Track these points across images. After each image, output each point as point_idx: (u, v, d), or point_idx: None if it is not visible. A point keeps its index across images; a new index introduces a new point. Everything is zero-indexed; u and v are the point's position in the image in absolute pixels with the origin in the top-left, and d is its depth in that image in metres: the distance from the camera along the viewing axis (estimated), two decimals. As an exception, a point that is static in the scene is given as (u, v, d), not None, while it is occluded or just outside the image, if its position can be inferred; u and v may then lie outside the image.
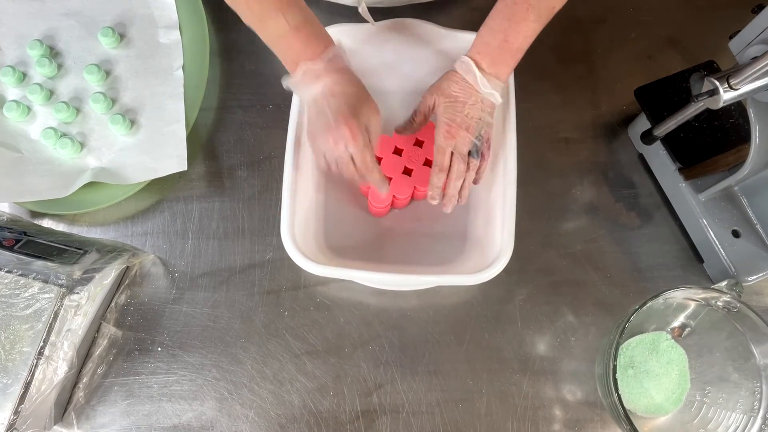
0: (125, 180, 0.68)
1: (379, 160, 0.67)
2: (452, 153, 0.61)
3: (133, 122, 0.71)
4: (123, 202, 0.69)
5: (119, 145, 0.70)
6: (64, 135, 0.69)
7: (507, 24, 0.57)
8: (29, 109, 0.71)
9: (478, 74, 0.58)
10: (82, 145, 0.70)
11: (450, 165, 0.61)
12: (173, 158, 0.68)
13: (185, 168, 0.68)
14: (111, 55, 0.74)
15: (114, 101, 0.72)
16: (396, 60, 0.71)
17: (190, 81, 0.72)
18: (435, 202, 0.63)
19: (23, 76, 0.72)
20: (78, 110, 0.71)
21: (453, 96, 0.60)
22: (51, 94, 0.72)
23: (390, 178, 0.66)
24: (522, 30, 0.56)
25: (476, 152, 0.61)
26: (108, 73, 0.73)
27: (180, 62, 0.73)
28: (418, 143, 0.67)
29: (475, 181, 0.64)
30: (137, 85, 0.73)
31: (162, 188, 0.71)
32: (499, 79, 0.59)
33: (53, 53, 0.73)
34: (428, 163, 0.67)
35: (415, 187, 0.66)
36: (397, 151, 0.67)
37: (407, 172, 0.67)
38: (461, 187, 0.62)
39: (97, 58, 0.73)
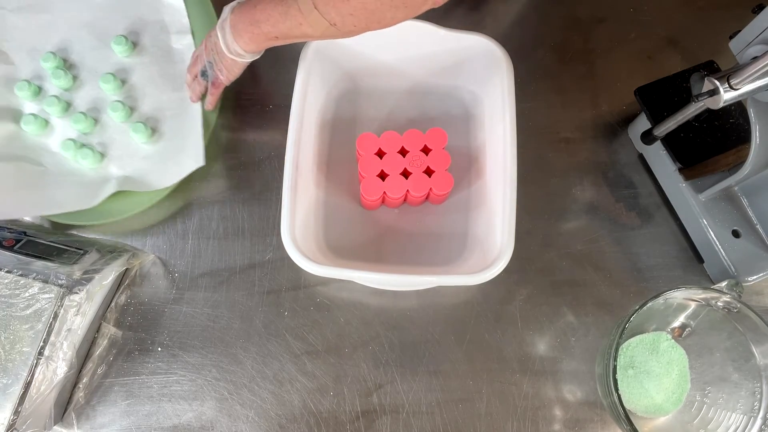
0: (150, 186, 0.67)
1: (382, 155, 0.67)
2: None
3: (154, 130, 0.71)
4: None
5: (141, 153, 0.70)
6: (84, 146, 0.69)
7: None
8: (47, 122, 0.70)
9: (226, 10, 0.61)
10: (103, 155, 0.70)
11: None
12: (191, 158, 0.68)
13: (203, 163, 0.67)
14: (125, 64, 0.74)
15: (132, 109, 0.72)
16: (396, 60, 0.71)
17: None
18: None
19: (39, 90, 0.71)
20: (96, 120, 0.71)
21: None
22: (68, 105, 0.71)
23: (387, 175, 0.66)
24: (267, 8, 0.56)
25: (203, 74, 0.67)
26: (124, 82, 0.73)
27: None
28: (426, 150, 0.67)
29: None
30: (154, 91, 0.72)
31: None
32: (237, 38, 0.60)
33: (67, 65, 0.73)
34: (429, 171, 0.67)
35: (408, 191, 0.66)
36: (403, 152, 0.67)
37: (405, 174, 0.67)
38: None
39: (112, 67, 0.73)
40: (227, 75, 0.65)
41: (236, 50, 0.61)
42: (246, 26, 0.59)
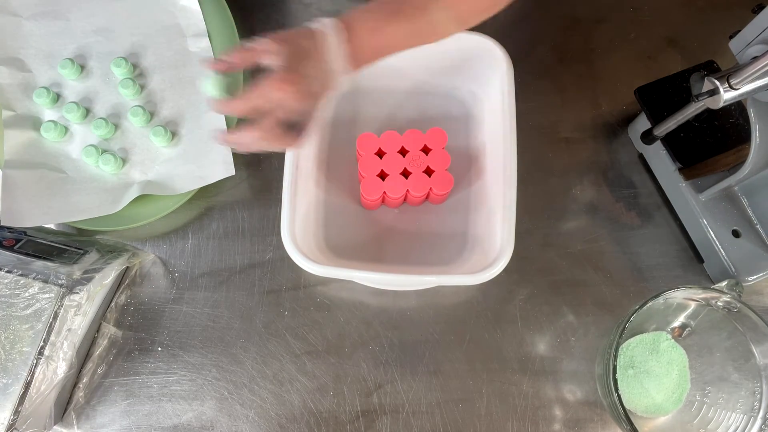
0: (174, 191, 0.67)
1: (382, 155, 0.67)
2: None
3: (174, 133, 0.71)
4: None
5: (163, 157, 0.70)
6: (105, 151, 0.69)
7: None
8: (67, 128, 0.70)
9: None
10: (125, 160, 0.70)
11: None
12: (219, 164, 0.68)
13: (233, 173, 0.67)
14: (144, 69, 0.73)
15: (153, 114, 0.72)
16: (396, 60, 0.71)
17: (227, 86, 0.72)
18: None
19: (57, 97, 0.71)
20: (117, 126, 0.71)
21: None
22: (87, 112, 0.71)
23: (387, 175, 0.66)
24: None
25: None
26: (143, 87, 0.72)
27: None
28: (426, 150, 0.67)
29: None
30: (173, 95, 0.72)
31: (162, 188, 0.71)
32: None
33: (85, 71, 0.73)
34: (429, 171, 0.67)
35: (408, 191, 0.66)
36: (403, 152, 0.67)
37: (405, 174, 0.67)
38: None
39: (131, 72, 0.72)
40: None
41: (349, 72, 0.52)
42: (369, 53, 0.51)
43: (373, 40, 0.51)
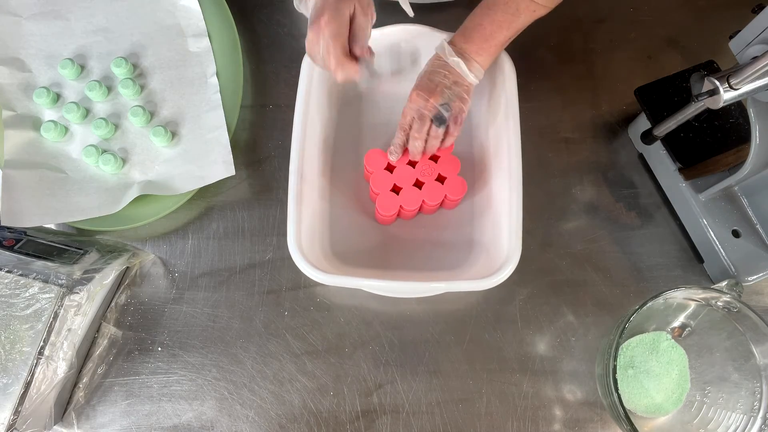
0: (174, 191, 0.68)
1: (392, 169, 0.67)
2: (413, 117, 0.64)
3: (174, 133, 0.71)
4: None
5: (163, 157, 0.70)
6: (105, 151, 0.69)
7: (485, 11, 0.61)
8: (67, 128, 0.70)
9: (446, 46, 0.61)
10: (125, 160, 0.70)
11: (411, 127, 0.64)
12: (219, 164, 0.68)
13: (233, 173, 0.68)
14: (144, 69, 0.73)
15: (153, 114, 0.72)
16: (402, 65, 0.71)
17: (227, 86, 0.72)
18: (393, 157, 0.66)
19: (58, 97, 0.71)
20: (117, 126, 0.71)
21: (425, 70, 0.64)
22: (87, 112, 0.71)
23: (400, 189, 0.66)
24: (497, 18, 0.60)
25: (438, 120, 0.63)
26: (143, 87, 0.73)
27: (213, 69, 0.73)
28: (434, 158, 0.67)
29: (438, 150, 0.67)
30: (173, 95, 0.72)
31: (162, 188, 0.71)
32: (473, 59, 0.62)
33: (85, 71, 0.73)
34: (441, 178, 0.67)
35: (423, 200, 0.66)
36: (412, 163, 0.67)
37: (418, 184, 0.66)
38: (424, 149, 0.65)
39: (131, 72, 0.72)
40: (467, 102, 0.64)
41: (479, 73, 0.62)
42: (479, 46, 0.61)
43: (477, 36, 0.62)
